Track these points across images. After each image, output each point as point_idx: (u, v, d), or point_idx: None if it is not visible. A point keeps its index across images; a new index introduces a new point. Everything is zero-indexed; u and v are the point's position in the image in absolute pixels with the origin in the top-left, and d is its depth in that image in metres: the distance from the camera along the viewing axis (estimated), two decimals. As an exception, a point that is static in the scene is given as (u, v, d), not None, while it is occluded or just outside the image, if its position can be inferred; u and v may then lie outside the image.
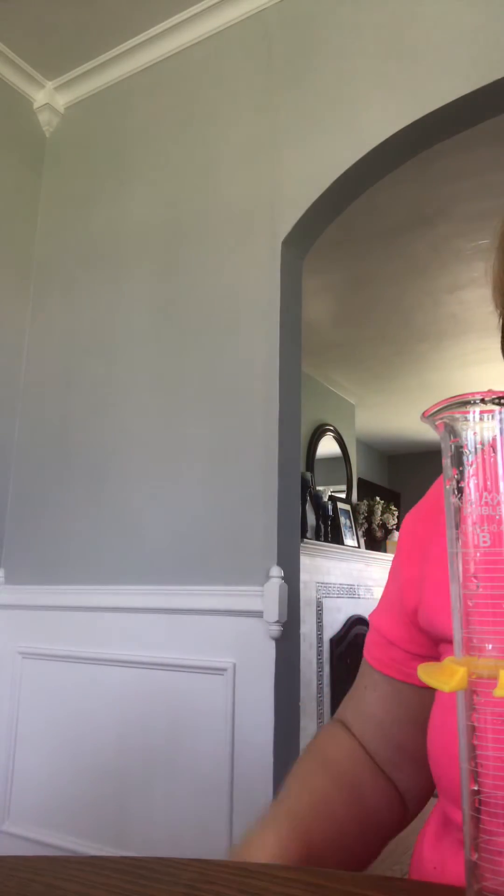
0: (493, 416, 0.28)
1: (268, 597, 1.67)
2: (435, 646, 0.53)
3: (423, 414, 0.30)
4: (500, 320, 0.57)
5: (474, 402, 0.28)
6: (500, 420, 0.28)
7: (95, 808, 1.85)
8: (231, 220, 2.03)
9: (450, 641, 0.48)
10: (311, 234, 2.00)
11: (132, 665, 1.87)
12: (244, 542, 1.77)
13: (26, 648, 2.10)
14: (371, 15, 1.89)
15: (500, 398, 0.28)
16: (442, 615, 0.50)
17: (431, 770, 0.48)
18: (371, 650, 0.60)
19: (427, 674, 0.29)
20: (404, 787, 0.58)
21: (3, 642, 2.15)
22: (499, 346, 0.59)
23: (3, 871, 0.39)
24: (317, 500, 4.23)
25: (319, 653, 3.66)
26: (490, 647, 0.28)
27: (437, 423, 0.30)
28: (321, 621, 3.73)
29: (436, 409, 0.29)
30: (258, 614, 1.69)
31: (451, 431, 0.29)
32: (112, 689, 1.90)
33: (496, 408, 0.28)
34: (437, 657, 0.53)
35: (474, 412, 0.28)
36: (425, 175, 2.71)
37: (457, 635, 0.29)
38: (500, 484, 0.28)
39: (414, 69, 1.78)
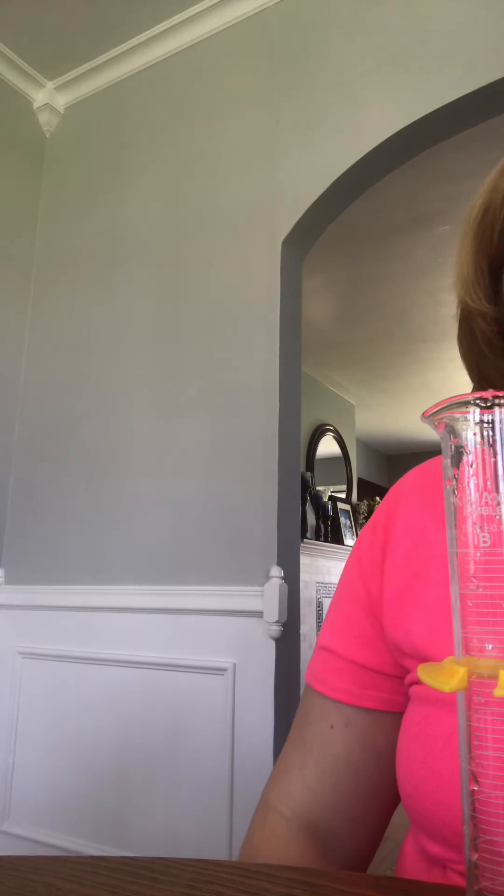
0: (493, 416, 0.28)
1: (268, 597, 1.67)
2: (403, 661, 0.49)
3: (424, 414, 0.30)
4: (459, 309, 0.52)
5: (474, 402, 0.28)
6: (501, 420, 0.28)
7: (95, 807, 1.85)
8: (231, 220, 2.03)
9: (414, 656, 0.46)
10: (310, 234, 2.00)
11: (132, 665, 1.87)
12: (244, 542, 1.77)
13: (26, 648, 2.10)
14: (371, 15, 1.89)
15: (500, 398, 0.28)
16: (407, 627, 0.47)
17: (403, 802, 0.45)
18: (331, 682, 0.51)
19: (427, 674, 0.29)
20: (362, 846, 0.52)
21: (3, 642, 2.15)
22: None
23: (3, 871, 0.39)
24: (317, 500, 4.23)
25: (319, 653, 3.65)
26: (490, 647, 0.28)
27: (437, 423, 0.30)
28: (321, 621, 3.73)
29: (436, 409, 0.29)
30: (258, 614, 1.69)
31: (451, 431, 0.30)
32: (112, 689, 1.90)
33: (496, 408, 0.28)
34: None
35: (474, 412, 0.28)
36: (425, 175, 2.71)
37: (457, 635, 0.29)
38: (500, 484, 0.28)
39: (414, 69, 1.78)
